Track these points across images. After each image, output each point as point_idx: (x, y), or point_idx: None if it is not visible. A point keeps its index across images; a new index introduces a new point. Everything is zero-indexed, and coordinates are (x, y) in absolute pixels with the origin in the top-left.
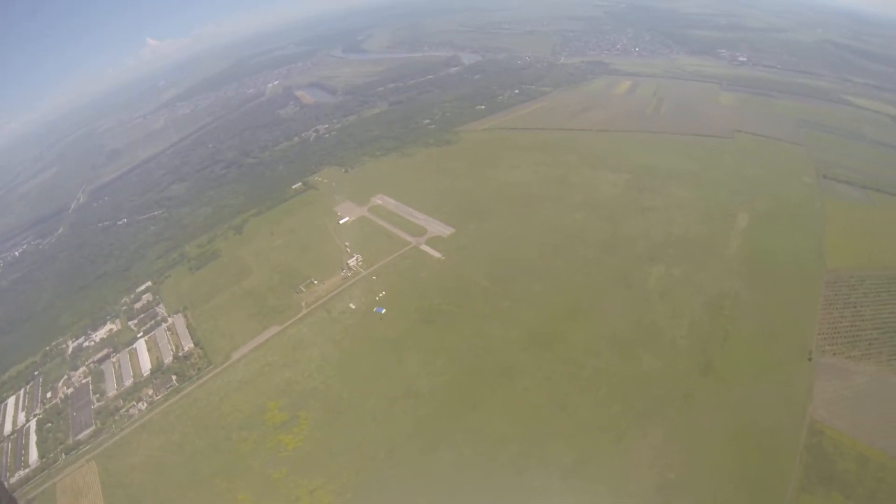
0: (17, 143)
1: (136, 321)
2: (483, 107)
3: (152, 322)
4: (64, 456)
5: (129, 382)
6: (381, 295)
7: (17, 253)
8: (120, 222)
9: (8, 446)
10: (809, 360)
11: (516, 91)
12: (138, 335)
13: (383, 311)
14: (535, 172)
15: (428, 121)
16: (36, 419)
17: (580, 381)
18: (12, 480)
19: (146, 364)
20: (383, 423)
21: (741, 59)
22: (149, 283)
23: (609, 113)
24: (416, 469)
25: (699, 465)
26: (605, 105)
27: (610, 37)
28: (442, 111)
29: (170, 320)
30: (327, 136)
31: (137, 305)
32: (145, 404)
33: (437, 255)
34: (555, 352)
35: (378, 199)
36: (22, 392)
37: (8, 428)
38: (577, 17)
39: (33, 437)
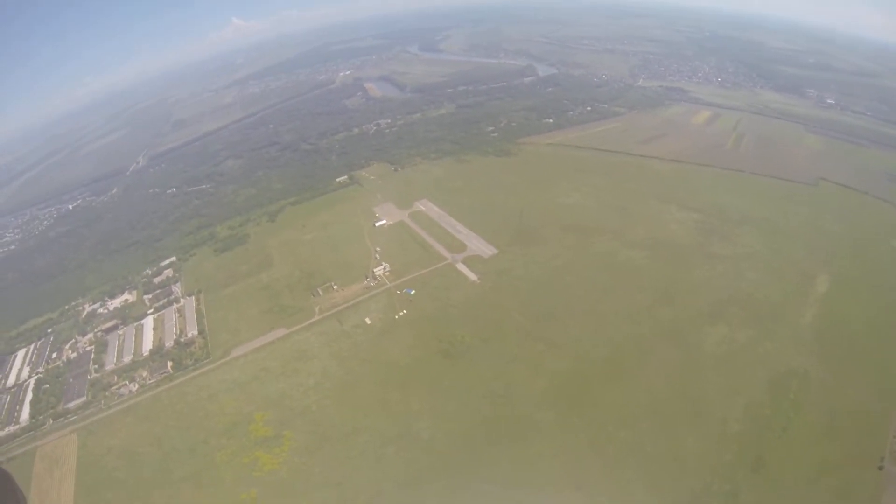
0: (94, 104)
1: (150, 296)
2: (551, 120)
3: (165, 300)
4: (51, 421)
5: (128, 359)
6: (401, 314)
7: (70, 206)
8: (169, 191)
9: (6, 399)
10: (880, 468)
11: (588, 108)
12: (149, 311)
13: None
14: (595, 198)
15: (491, 128)
16: (36, 377)
17: (605, 457)
18: (1, 434)
19: (148, 343)
20: (371, 463)
21: (829, 101)
22: (173, 259)
23: (684, 143)
24: None
25: None
26: (681, 134)
27: (691, 63)
28: (508, 120)
29: (182, 301)
30: (387, 131)
31: (157, 280)
32: (137, 386)
33: (472, 277)
34: (582, 415)
35: (421, 205)
36: (32, 347)
37: (11, 380)
38: (658, 40)
39: (29, 395)
